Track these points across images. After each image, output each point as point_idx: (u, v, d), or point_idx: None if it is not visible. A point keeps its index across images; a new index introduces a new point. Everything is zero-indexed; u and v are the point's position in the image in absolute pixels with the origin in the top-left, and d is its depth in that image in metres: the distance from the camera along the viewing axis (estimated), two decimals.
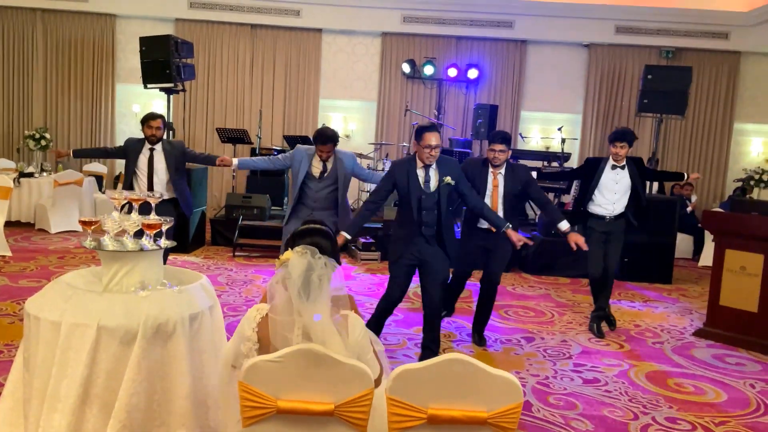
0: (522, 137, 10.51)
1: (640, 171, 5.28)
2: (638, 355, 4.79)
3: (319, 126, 10.45)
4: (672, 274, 7.48)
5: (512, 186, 4.61)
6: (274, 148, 10.02)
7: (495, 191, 4.63)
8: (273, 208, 8.79)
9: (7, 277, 6.01)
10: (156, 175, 5.47)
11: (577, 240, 4.51)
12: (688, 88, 7.43)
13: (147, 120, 5.48)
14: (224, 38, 10.69)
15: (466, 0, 10.34)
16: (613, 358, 4.71)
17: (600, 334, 5.18)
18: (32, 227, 8.62)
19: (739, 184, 9.98)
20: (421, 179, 4.06)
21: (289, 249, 2.11)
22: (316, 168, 4.76)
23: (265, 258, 7.64)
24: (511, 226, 4.33)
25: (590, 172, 5.24)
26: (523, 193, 4.72)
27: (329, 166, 4.78)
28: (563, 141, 9.36)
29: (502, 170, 4.63)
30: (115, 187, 9.90)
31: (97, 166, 10.31)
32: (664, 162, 10.78)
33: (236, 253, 7.81)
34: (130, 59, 10.60)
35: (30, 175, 8.88)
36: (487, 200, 4.59)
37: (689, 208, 9.36)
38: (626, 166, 5.14)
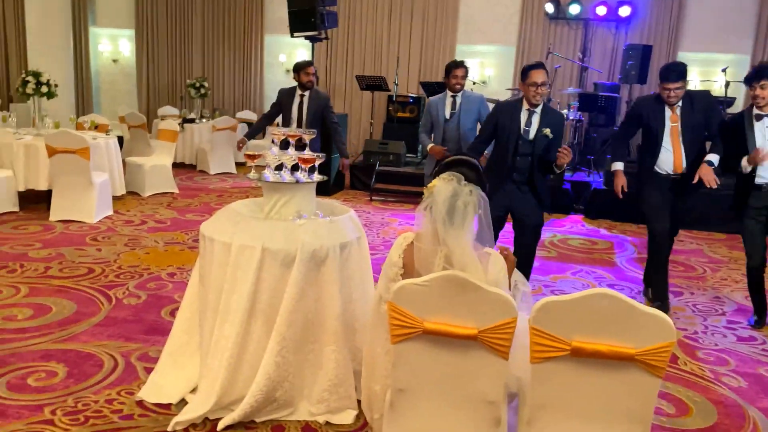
0: None
1: None
2: None
3: None
4: None
5: (691, 117, 4.08)
6: (410, 95, 10.09)
7: (674, 129, 4.13)
8: (408, 155, 8.94)
9: (176, 211, 6.76)
10: (303, 120, 5.80)
11: (703, 173, 3.96)
12: None
13: (303, 67, 5.78)
14: None
15: None
16: None
17: None
18: (194, 168, 9.53)
19: None
20: (522, 123, 4.00)
21: (438, 177, 2.18)
22: (448, 109, 5.08)
23: (400, 203, 7.85)
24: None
25: (734, 134, 4.02)
26: (706, 125, 4.11)
27: (458, 103, 5.01)
28: (727, 84, 8.44)
29: (680, 103, 4.13)
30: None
31: (249, 114, 11.04)
32: None
33: (373, 197, 8.11)
34: (276, 10, 11.08)
35: (192, 120, 9.75)
36: (666, 140, 4.15)
37: None
38: None
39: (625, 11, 9.59)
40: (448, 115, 5.08)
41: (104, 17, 11.94)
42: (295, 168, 2.94)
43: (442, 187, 2.13)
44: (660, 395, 3.13)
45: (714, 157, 4.05)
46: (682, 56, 9.95)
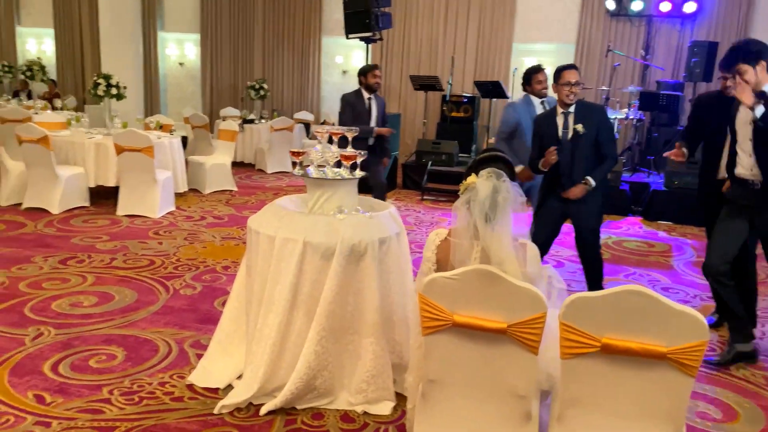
0: None
1: None
2: None
3: (512, 71, 10.21)
4: None
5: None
6: (464, 94, 10.05)
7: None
8: (461, 155, 8.93)
9: (234, 208, 7.02)
10: (374, 121, 5.85)
11: None
12: None
13: (371, 69, 5.77)
14: None
15: None
16: None
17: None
18: (252, 167, 9.85)
19: None
20: (559, 127, 3.97)
21: (473, 174, 2.21)
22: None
23: (451, 202, 7.83)
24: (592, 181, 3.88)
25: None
26: None
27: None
28: None
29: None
30: None
31: (306, 115, 11.30)
32: None
33: (425, 197, 8.15)
34: (334, 11, 11.29)
35: (251, 121, 10.08)
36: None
37: None
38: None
39: (690, 7, 9.25)
40: None
41: (171, 23, 12.51)
42: (337, 164, 3.03)
43: (483, 184, 2.16)
44: (708, 400, 3.04)
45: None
46: None
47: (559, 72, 3.97)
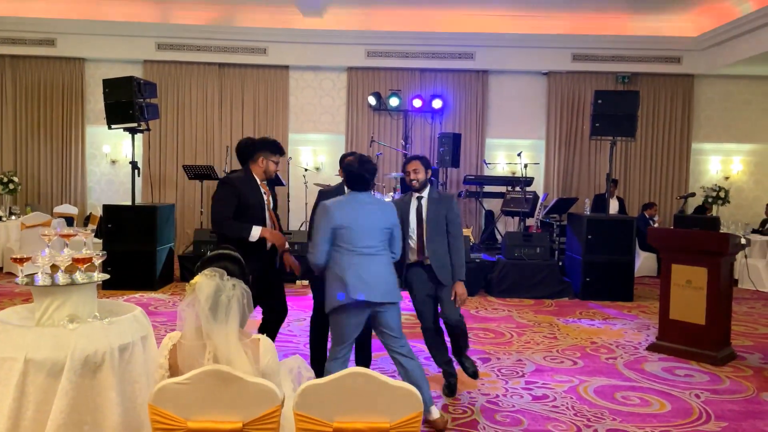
0: (486, 164, 10.75)
1: None
2: (590, 371, 4.88)
3: (288, 159, 10.56)
4: (633, 292, 7.63)
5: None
6: None
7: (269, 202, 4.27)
8: None
9: None
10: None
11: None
12: (637, 112, 7.69)
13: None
14: (193, 78, 10.88)
15: (427, 34, 10.65)
16: (565, 374, 4.79)
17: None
18: (0, 271, 8.60)
19: (682, 201, 10.25)
20: None
21: (198, 273, 2.21)
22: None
23: None
24: None
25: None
26: None
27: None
28: (525, 166, 9.61)
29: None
30: (85, 227, 9.92)
31: (68, 208, 10.33)
32: (627, 183, 11.04)
33: None
34: (99, 101, 10.63)
35: None
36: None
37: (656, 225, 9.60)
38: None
39: (437, 104, 10.64)
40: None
41: None
42: (72, 268, 2.81)
43: (205, 283, 2.16)
44: None
45: None
46: (490, 142, 11.20)
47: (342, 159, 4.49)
